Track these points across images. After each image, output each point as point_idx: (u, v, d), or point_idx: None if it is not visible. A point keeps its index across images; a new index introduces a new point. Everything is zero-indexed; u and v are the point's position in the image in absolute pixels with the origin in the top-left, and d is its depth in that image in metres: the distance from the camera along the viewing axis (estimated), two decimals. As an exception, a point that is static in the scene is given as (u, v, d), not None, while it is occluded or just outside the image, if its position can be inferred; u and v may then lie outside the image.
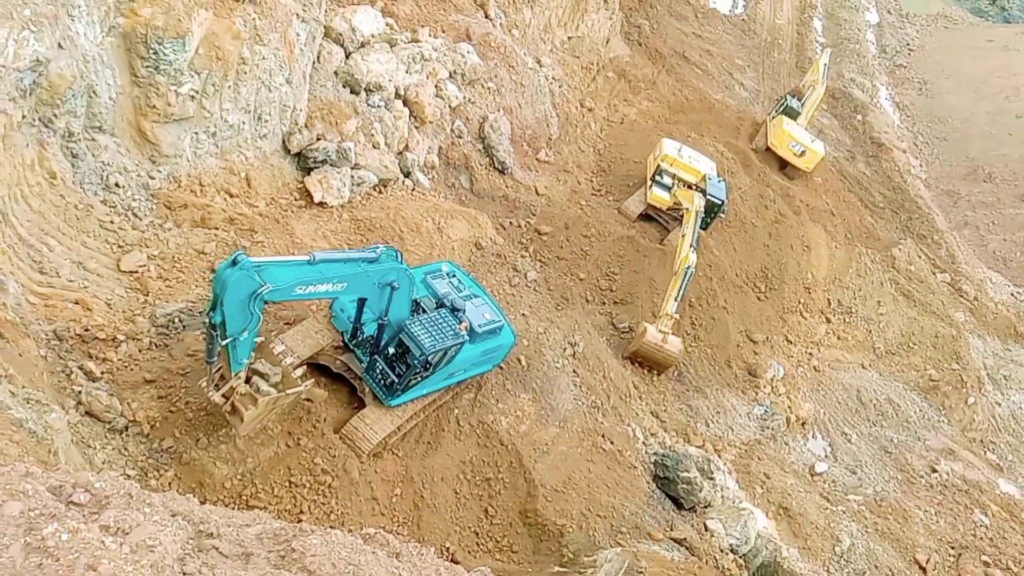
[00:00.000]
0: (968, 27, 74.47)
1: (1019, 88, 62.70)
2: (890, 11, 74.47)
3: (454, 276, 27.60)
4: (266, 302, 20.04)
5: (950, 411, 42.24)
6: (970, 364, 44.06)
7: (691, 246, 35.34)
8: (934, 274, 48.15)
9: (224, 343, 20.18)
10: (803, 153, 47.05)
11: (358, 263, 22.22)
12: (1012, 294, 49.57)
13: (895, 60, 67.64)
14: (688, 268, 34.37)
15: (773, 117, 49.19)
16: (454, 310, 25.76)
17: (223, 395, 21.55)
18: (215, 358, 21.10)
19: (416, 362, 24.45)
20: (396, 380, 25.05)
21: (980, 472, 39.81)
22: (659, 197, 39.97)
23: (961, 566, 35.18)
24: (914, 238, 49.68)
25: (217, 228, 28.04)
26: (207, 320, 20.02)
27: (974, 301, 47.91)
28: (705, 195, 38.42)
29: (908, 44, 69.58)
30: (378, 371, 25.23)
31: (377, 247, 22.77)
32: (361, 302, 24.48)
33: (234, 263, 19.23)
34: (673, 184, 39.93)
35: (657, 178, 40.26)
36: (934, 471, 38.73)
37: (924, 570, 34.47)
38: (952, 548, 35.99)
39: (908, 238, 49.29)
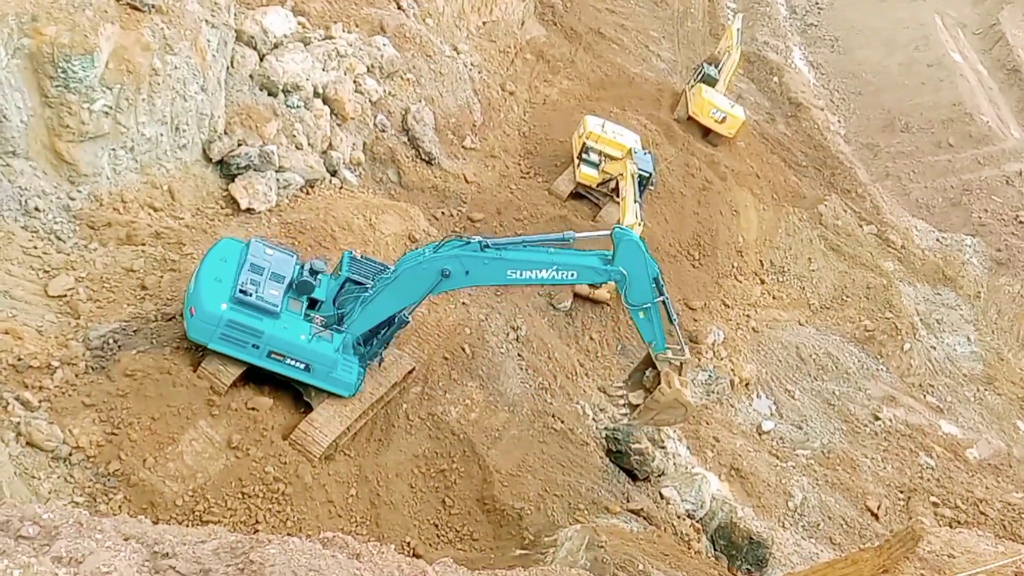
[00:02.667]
0: (874, -19, 75.74)
1: (928, 38, 63.96)
2: (797, -29, 75.45)
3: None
4: None
5: (887, 359, 43.21)
6: (903, 311, 45.11)
7: (637, 215, 35.51)
8: (861, 227, 49.11)
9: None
10: (724, 119, 47.58)
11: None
12: (937, 239, 50.76)
13: (806, 20, 68.52)
14: None
15: (692, 86, 49.63)
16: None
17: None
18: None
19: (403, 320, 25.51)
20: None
21: (921, 416, 40.88)
22: (588, 175, 40.18)
23: (911, 508, 36.13)
24: (838, 193, 50.57)
25: (144, 244, 27.58)
26: None
27: (901, 249, 49.00)
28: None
29: (817, 3, 70.47)
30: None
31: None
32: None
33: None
34: (600, 160, 40.15)
35: (584, 156, 40.43)
36: (877, 419, 39.66)
37: (876, 516, 35.34)
38: (901, 492, 36.94)
39: (833, 194, 50.16)
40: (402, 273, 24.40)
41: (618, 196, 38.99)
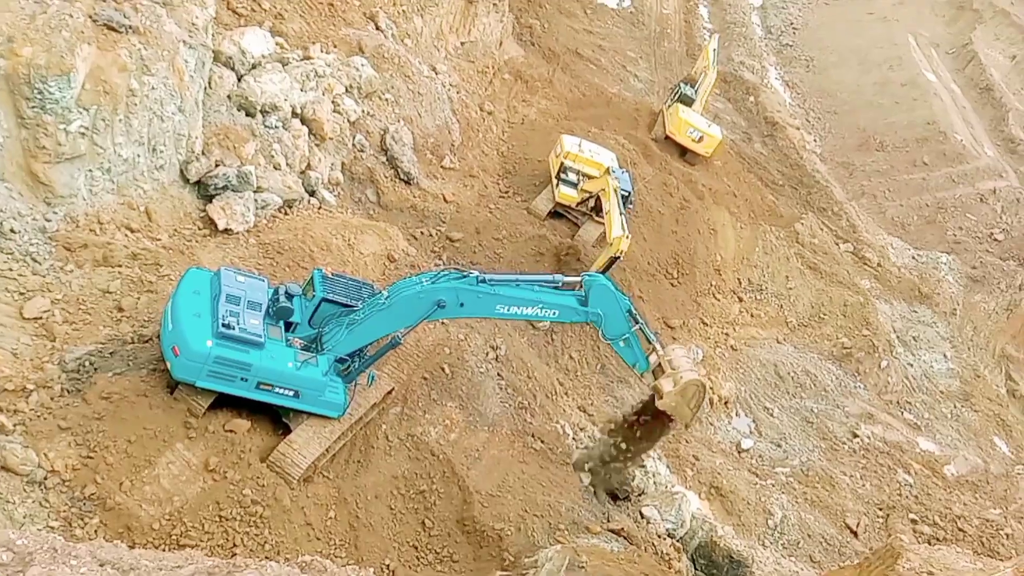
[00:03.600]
0: (848, 1, 76.12)
1: (901, 57, 64.64)
2: (772, -8, 76.16)
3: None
4: None
5: (865, 376, 43.44)
6: (880, 329, 45.38)
7: (623, 227, 35.90)
8: (837, 245, 49.46)
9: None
10: (701, 139, 47.88)
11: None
12: (913, 257, 51.18)
13: (781, 40, 69.15)
14: (617, 254, 35.42)
15: (669, 106, 49.92)
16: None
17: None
18: None
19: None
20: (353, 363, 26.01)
21: (899, 433, 41.09)
22: (566, 195, 40.27)
23: (890, 526, 36.25)
24: (815, 212, 50.93)
25: (120, 265, 27.37)
26: None
27: (878, 267, 49.35)
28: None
29: (792, 23, 71.16)
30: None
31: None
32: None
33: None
34: (578, 180, 40.26)
35: (562, 176, 40.54)
36: (855, 436, 39.82)
37: (855, 534, 35.43)
38: (880, 509, 37.07)
39: (809, 212, 50.52)
40: (397, 300, 24.83)
41: (598, 215, 39.10)
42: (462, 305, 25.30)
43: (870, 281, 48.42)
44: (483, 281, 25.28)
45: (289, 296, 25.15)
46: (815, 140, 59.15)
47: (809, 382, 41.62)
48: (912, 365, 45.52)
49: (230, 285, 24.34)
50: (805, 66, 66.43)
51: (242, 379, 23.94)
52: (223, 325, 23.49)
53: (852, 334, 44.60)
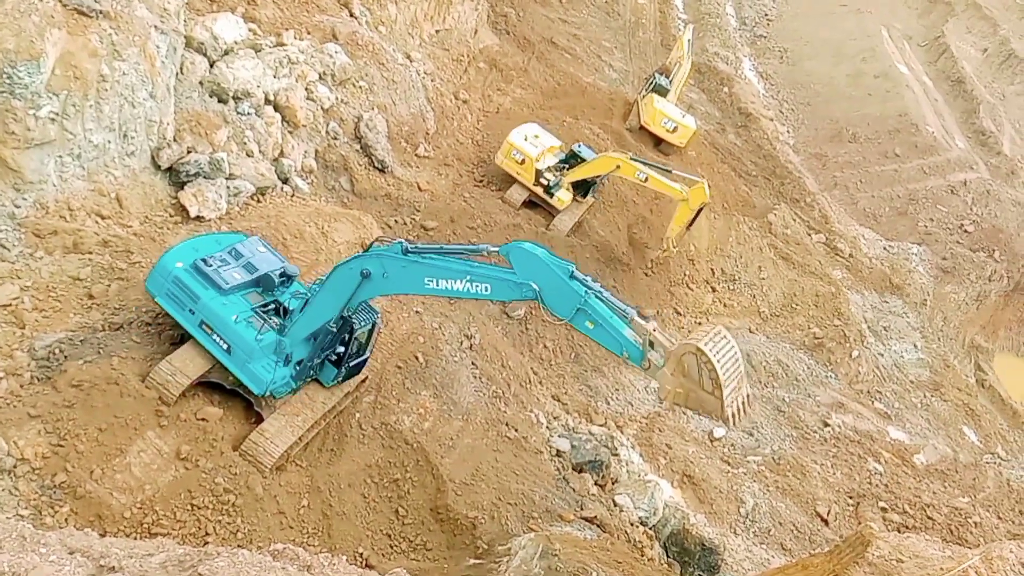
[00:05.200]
0: (822, -6, 76.88)
1: (874, 49, 65.10)
2: (747, -17, 76.41)
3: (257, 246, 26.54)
4: None
5: (836, 366, 43.77)
6: (851, 319, 45.75)
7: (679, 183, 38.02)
8: (809, 235, 49.79)
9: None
10: (675, 129, 48.01)
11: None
12: (884, 248, 51.59)
13: (755, 31, 69.44)
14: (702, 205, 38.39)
15: (643, 96, 50.02)
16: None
17: None
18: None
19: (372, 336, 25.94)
20: (345, 352, 25.73)
21: (870, 422, 41.41)
22: (564, 200, 40.17)
23: (860, 514, 36.52)
24: (788, 202, 51.23)
25: (91, 252, 27.11)
26: None
27: (849, 258, 49.75)
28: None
29: (766, 14, 71.47)
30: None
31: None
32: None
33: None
34: (558, 177, 39.93)
35: (547, 184, 39.90)
36: (826, 425, 40.09)
37: (826, 522, 35.68)
38: (850, 498, 37.33)
39: (782, 203, 50.81)
40: (331, 274, 24.20)
41: (585, 196, 39.78)
42: (385, 276, 23.05)
43: (842, 271, 48.80)
44: (409, 251, 22.72)
45: (286, 276, 25.68)
46: (788, 131, 59.47)
47: (781, 371, 41.89)
48: (883, 355, 45.93)
49: (245, 247, 25.73)
50: (779, 57, 66.75)
51: (190, 311, 24.42)
52: (201, 260, 24.57)
53: (824, 324, 44.93)
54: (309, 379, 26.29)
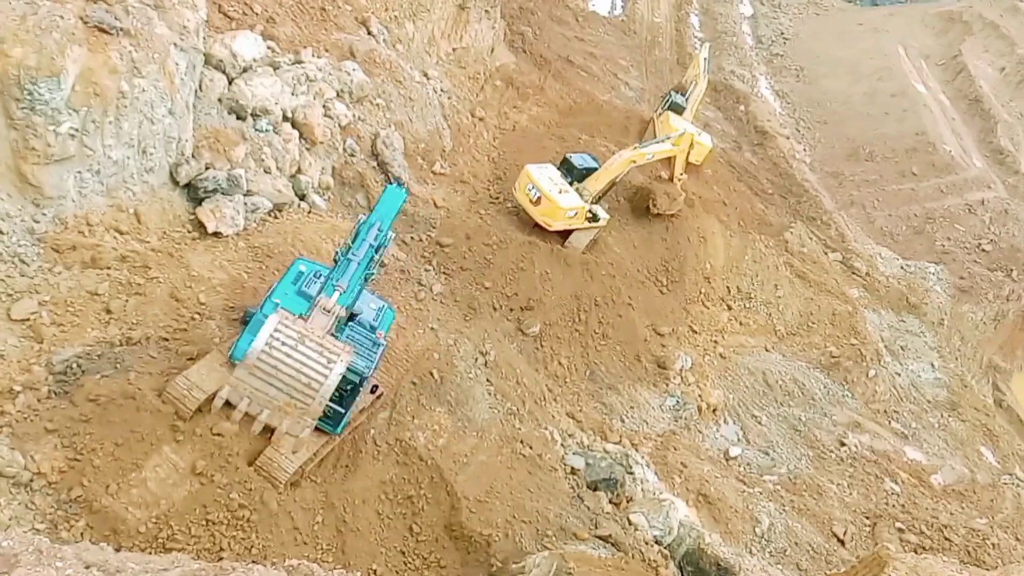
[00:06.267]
0: (838, 12, 77.00)
1: (891, 68, 65.05)
2: (763, 2, 76.53)
3: (319, 275, 26.57)
4: None
5: (853, 385, 43.56)
6: (868, 338, 45.55)
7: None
8: (826, 254, 49.68)
9: None
10: (691, 147, 47.98)
11: None
12: (901, 267, 51.41)
13: (771, 49, 69.54)
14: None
15: (660, 114, 50.04)
16: (352, 318, 25.77)
17: None
18: None
19: (358, 386, 24.74)
20: (341, 409, 25.04)
21: (887, 442, 41.18)
22: (605, 217, 40.17)
23: (877, 534, 36.27)
24: (804, 221, 51.15)
25: (109, 267, 27.27)
26: None
27: (866, 277, 49.58)
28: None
29: (783, 33, 71.60)
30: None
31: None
32: None
33: None
34: (586, 199, 39.52)
35: (589, 215, 39.55)
36: (843, 445, 39.89)
37: (842, 542, 35.45)
38: (867, 518, 37.10)
39: (798, 221, 50.73)
40: None
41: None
42: None
43: (858, 290, 48.62)
44: None
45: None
46: (805, 149, 59.42)
47: (797, 390, 41.73)
48: (900, 375, 45.69)
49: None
50: (795, 76, 66.79)
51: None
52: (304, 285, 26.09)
53: (840, 343, 44.73)
54: None
